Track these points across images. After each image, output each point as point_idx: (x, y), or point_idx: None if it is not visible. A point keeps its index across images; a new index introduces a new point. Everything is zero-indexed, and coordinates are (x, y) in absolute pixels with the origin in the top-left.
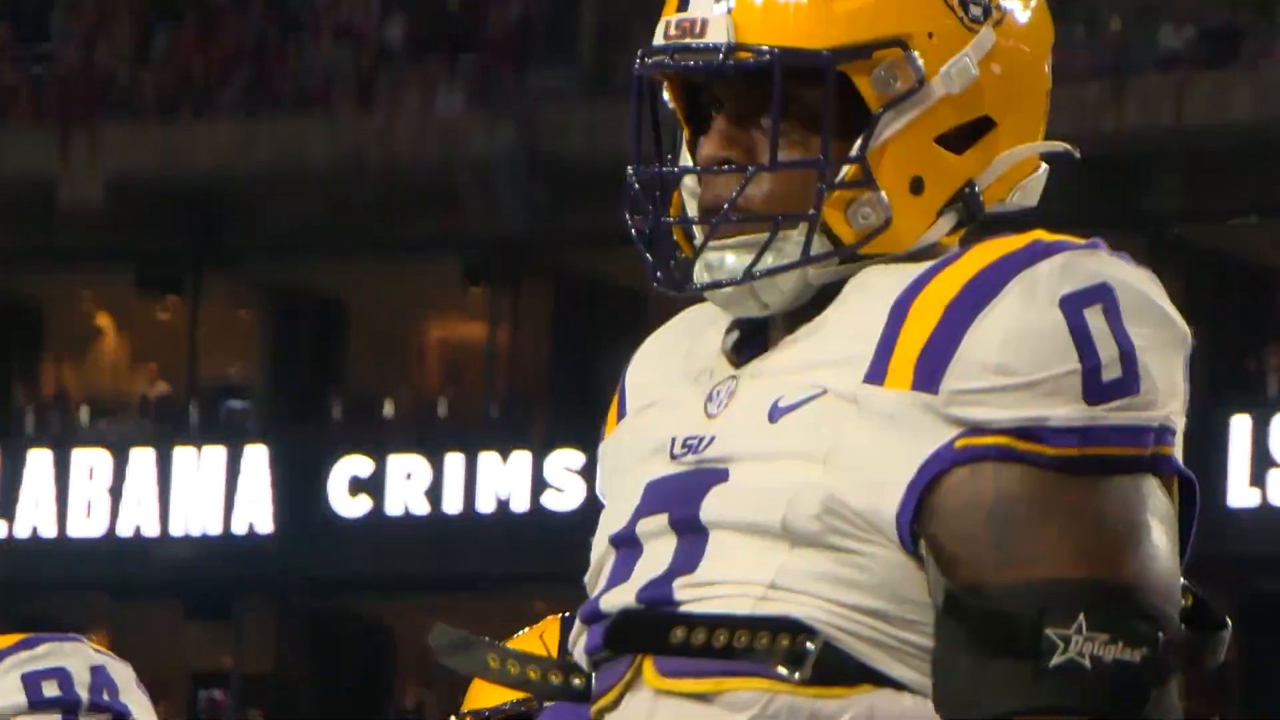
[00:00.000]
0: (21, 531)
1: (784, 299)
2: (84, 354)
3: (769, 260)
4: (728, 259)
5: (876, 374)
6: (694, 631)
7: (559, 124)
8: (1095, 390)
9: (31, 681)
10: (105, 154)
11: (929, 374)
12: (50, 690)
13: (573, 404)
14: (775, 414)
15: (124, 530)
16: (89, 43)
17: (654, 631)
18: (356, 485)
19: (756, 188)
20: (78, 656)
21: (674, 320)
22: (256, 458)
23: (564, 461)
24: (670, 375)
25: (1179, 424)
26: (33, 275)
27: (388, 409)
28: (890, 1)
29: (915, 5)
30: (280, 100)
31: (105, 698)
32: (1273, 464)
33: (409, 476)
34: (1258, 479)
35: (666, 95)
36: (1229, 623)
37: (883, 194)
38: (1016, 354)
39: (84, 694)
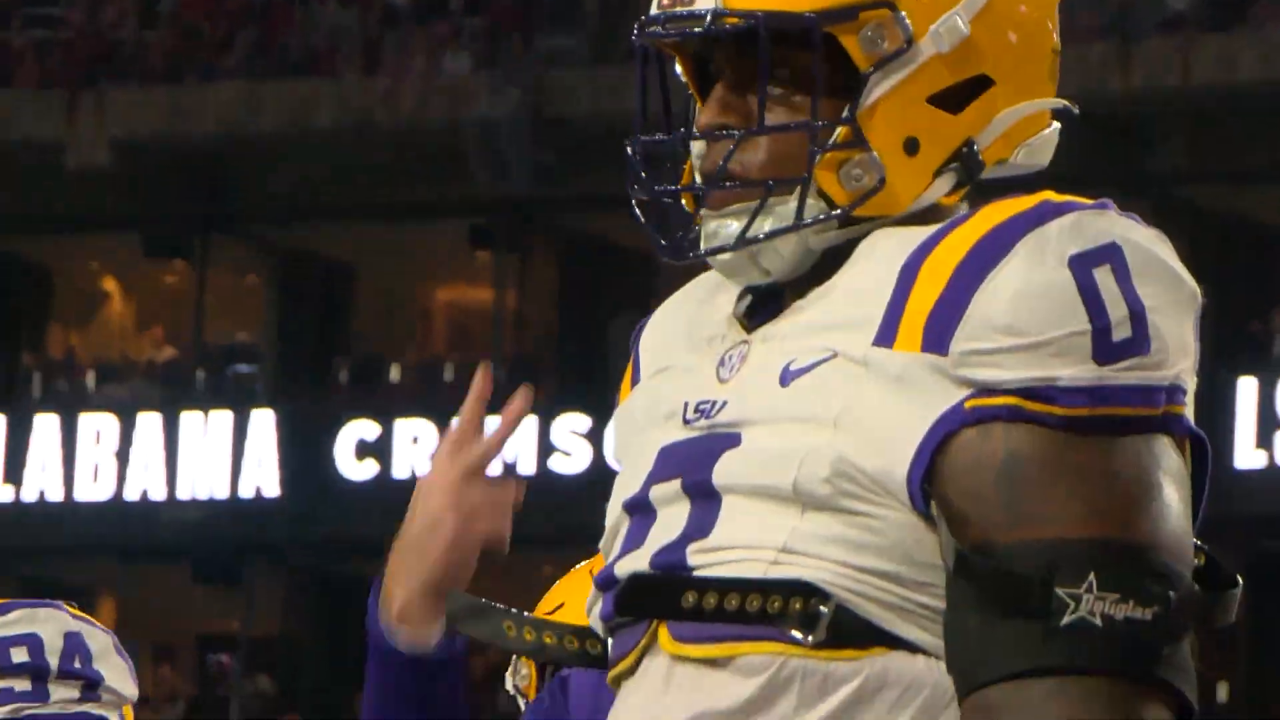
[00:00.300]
0: (29, 495)
1: (784, 265)
2: (91, 318)
3: (766, 225)
4: (728, 226)
5: (886, 336)
6: (705, 596)
7: (565, 87)
8: (1105, 350)
9: (0, 648)
10: (111, 118)
11: (938, 335)
12: (19, 656)
13: (580, 367)
14: (786, 378)
15: (131, 494)
16: (95, 6)
17: (665, 596)
18: (363, 449)
19: (752, 154)
20: (51, 623)
21: (688, 286)
22: (263, 422)
23: (571, 425)
24: (683, 340)
25: (1190, 383)
26: (40, 239)
27: (394, 373)
28: None
29: None
30: (286, 63)
31: (76, 665)
32: (1279, 425)
33: (415, 440)
34: (1264, 441)
35: (679, 68)
36: (1240, 581)
37: (875, 155)
38: (1025, 314)
39: (54, 660)
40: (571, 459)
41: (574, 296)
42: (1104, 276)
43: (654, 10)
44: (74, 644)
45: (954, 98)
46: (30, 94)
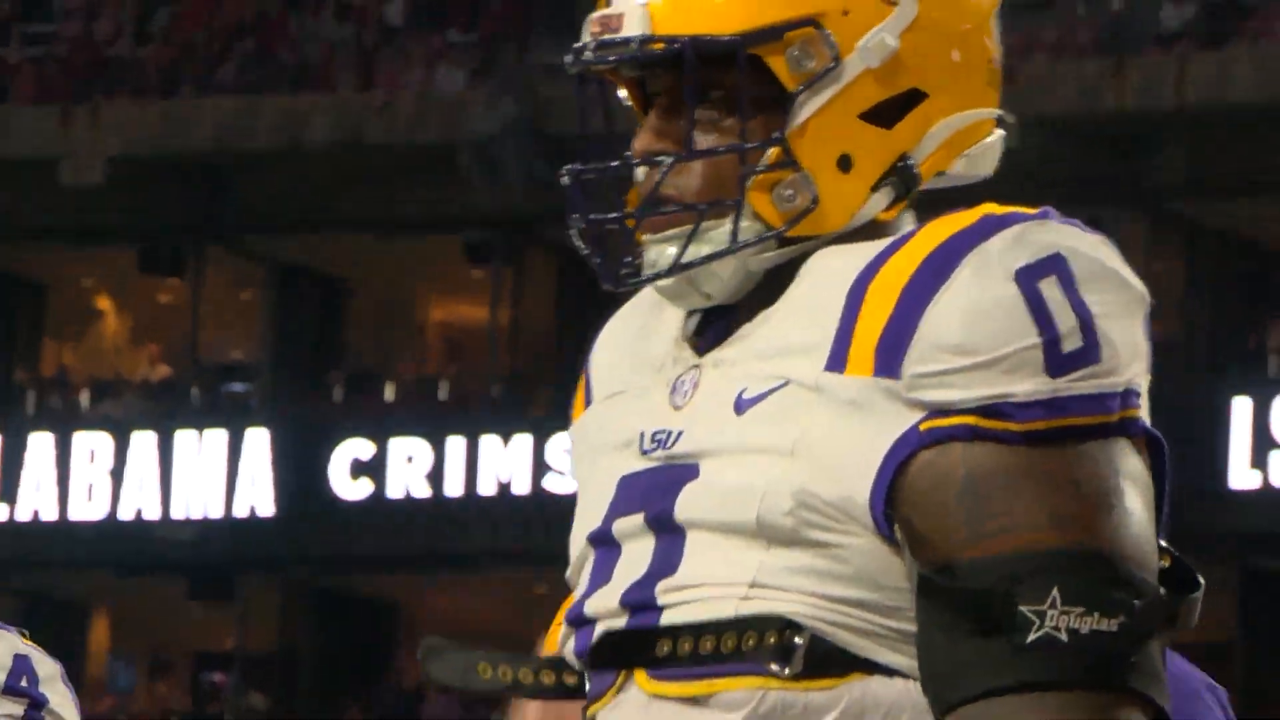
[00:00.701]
0: (23, 515)
1: (725, 288)
2: (85, 335)
3: (703, 250)
4: (667, 251)
5: (837, 362)
6: (680, 642)
7: (560, 100)
8: (1057, 362)
9: None
10: (107, 132)
11: (889, 359)
12: None
13: (575, 384)
14: (741, 406)
15: (125, 513)
16: (89, 21)
17: (638, 647)
18: (358, 468)
19: (687, 178)
20: (3, 643)
21: (636, 299)
22: (258, 440)
23: (565, 444)
24: (634, 360)
25: (1143, 385)
26: (36, 254)
27: (389, 392)
28: None
29: None
30: (281, 77)
31: (23, 683)
32: (1274, 445)
33: (410, 459)
34: (1259, 461)
35: (622, 92)
36: (1202, 583)
37: (806, 174)
38: (975, 332)
39: (1, 676)
40: (566, 478)
41: (570, 310)
42: (1050, 288)
43: (585, 37)
44: (23, 665)
45: (887, 112)
46: (25, 109)
